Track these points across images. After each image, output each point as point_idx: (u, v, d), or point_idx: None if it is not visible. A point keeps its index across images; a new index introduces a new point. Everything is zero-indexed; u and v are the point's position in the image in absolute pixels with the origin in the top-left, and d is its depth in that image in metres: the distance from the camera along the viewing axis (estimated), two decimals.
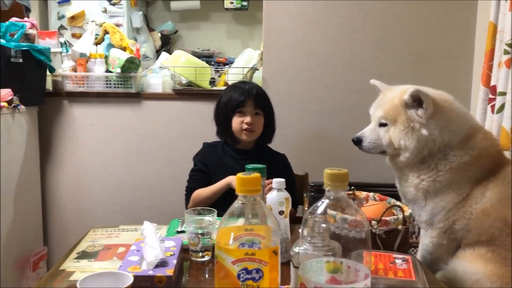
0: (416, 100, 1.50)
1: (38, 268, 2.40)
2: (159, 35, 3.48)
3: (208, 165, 1.91)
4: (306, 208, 1.99)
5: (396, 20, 2.44)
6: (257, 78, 2.55)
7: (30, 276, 2.34)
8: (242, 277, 0.77)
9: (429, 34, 2.45)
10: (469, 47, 2.45)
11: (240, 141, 1.91)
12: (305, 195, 2.11)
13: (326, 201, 0.83)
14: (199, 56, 2.88)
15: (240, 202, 0.82)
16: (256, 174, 0.81)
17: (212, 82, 2.62)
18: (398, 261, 1.14)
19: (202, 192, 1.84)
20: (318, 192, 1.13)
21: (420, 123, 1.49)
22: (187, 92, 2.54)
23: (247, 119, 1.85)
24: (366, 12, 2.44)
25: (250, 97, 1.86)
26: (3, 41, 2.23)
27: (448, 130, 1.50)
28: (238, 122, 1.87)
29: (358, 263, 0.82)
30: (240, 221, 0.82)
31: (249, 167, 1.12)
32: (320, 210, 0.83)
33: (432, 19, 2.44)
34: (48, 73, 2.51)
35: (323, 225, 0.84)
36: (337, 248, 0.84)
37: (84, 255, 1.35)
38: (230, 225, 0.82)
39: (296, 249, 0.98)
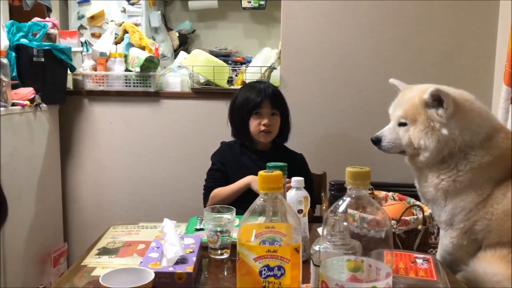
0: (437, 100, 1.48)
1: (58, 264, 2.44)
2: (177, 34, 3.51)
3: (226, 164, 1.91)
4: (324, 207, 1.99)
5: (416, 19, 2.42)
6: (275, 77, 2.55)
7: (51, 271, 2.38)
8: (264, 274, 0.78)
9: (450, 33, 2.42)
10: (491, 46, 2.41)
11: (258, 142, 1.92)
12: (323, 194, 2.11)
13: (348, 199, 0.83)
14: (216, 55, 2.90)
15: (261, 199, 0.82)
16: (278, 172, 0.81)
17: (230, 81, 2.63)
18: (419, 261, 1.14)
19: (221, 192, 1.84)
20: (339, 190, 1.14)
21: (441, 122, 1.48)
22: (205, 91, 2.55)
23: (265, 120, 1.85)
24: (386, 11, 2.42)
25: (267, 97, 1.85)
26: (25, 41, 2.27)
27: (469, 130, 1.48)
28: (255, 124, 1.86)
29: (380, 262, 0.81)
30: (261, 219, 0.83)
31: (270, 165, 1.12)
32: (341, 209, 0.83)
33: (453, 18, 2.41)
34: (69, 72, 2.54)
35: (344, 224, 0.84)
36: (357, 247, 0.84)
37: (105, 251, 1.37)
38: (251, 222, 0.82)
39: (316, 248, 0.99)
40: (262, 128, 1.85)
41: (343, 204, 0.83)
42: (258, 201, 0.82)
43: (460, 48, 2.43)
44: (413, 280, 1.05)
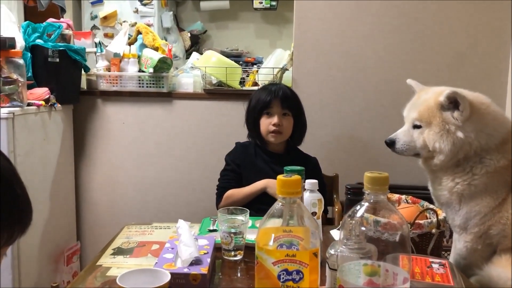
0: (453, 102, 1.47)
1: (71, 262, 2.47)
2: (189, 35, 3.52)
3: (240, 165, 1.91)
4: (336, 209, 1.98)
5: (429, 20, 2.40)
6: (287, 79, 2.54)
7: (64, 270, 2.40)
8: (283, 278, 0.78)
9: (463, 34, 2.40)
10: (506, 48, 2.39)
11: (269, 143, 1.91)
12: (335, 196, 2.10)
13: (366, 204, 0.83)
14: (227, 55, 2.90)
15: (280, 204, 0.82)
16: (297, 177, 0.81)
17: (242, 82, 2.63)
18: (435, 266, 1.13)
19: (235, 193, 1.83)
20: (355, 194, 1.14)
21: (456, 125, 1.47)
22: (217, 92, 2.56)
23: (274, 120, 1.84)
24: (399, 12, 2.41)
25: (277, 97, 1.85)
26: (41, 41, 2.29)
27: (485, 133, 1.47)
28: (265, 124, 1.86)
29: (397, 267, 0.81)
30: (278, 222, 0.83)
31: (287, 169, 1.12)
32: (359, 214, 0.83)
33: (467, 19, 2.39)
34: (83, 72, 2.56)
35: (363, 228, 0.84)
36: (373, 251, 0.84)
37: (119, 251, 1.39)
38: (269, 226, 0.82)
39: (332, 251, 0.99)
40: (272, 128, 1.84)
41: (361, 209, 0.83)
42: (277, 205, 0.82)
43: (473, 49, 2.40)
44: (429, 285, 1.04)
